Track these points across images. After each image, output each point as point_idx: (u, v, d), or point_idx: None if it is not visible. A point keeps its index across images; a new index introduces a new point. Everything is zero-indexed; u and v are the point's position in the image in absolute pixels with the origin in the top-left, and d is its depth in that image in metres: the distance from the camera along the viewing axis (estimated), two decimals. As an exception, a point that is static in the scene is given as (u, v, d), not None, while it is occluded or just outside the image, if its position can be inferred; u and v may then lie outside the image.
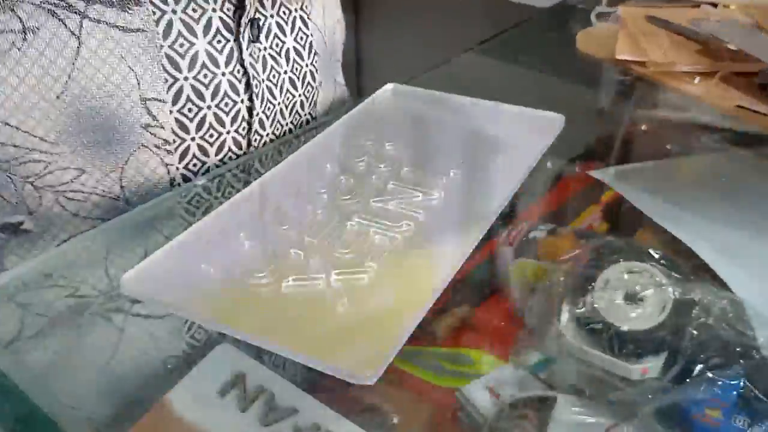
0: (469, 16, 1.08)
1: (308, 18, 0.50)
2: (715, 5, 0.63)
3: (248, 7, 0.45)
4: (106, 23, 0.40)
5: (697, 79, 0.53)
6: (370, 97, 0.49)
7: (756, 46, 0.51)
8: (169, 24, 0.42)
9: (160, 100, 0.43)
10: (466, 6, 1.07)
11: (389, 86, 0.50)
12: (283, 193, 0.39)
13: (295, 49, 0.49)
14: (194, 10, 0.43)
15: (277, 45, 0.48)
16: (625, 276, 0.35)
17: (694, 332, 0.36)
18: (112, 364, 0.33)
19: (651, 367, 0.35)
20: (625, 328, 0.34)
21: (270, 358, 0.31)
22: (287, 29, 0.49)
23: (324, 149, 0.43)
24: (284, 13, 0.48)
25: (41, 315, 0.33)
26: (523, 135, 0.45)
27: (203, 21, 0.43)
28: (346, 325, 0.29)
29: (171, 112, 0.43)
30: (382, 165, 0.41)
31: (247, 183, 0.40)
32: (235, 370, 0.30)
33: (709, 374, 0.35)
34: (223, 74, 0.44)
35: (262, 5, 0.46)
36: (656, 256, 0.36)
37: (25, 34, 0.39)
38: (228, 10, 0.44)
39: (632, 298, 0.36)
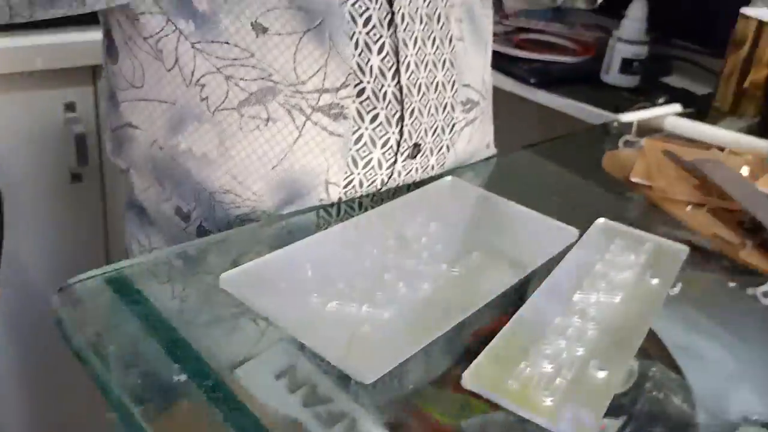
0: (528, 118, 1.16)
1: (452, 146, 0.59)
2: (722, 149, 0.69)
3: (412, 134, 0.54)
4: (320, 126, 0.50)
5: (689, 207, 0.59)
6: (432, 184, 0.57)
7: (737, 189, 0.56)
8: (360, 137, 0.52)
9: (336, 185, 0.52)
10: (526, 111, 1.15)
11: (448, 178, 0.58)
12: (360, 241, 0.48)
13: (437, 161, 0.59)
14: (380, 131, 0.52)
15: (422, 163, 0.57)
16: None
17: (649, 404, 0.43)
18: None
19: (608, 425, 0.42)
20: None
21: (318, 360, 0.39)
22: (435, 151, 0.57)
23: (390, 218, 0.51)
24: (437, 139, 0.57)
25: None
26: (541, 240, 0.51)
27: (383, 139, 0.53)
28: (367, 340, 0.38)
29: (339, 193, 0.53)
30: (423, 239, 0.49)
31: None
32: (289, 362, 0.39)
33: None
34: (380, 175, 0.54)
35: (425, 133, 0.56)
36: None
37: (268, 121, 0.49)
38: (397, 133, 0.53)
39: None
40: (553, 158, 0.69)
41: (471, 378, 0.37)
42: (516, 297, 0.45)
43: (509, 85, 1.19)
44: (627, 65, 1.14)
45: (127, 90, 0.52)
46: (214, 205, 0.51)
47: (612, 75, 1.16)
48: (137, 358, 0.36)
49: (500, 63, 1.21)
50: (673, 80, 1.23)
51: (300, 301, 0.40)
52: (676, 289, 0.48)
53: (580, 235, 0.52)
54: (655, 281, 0.47)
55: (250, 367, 0.41)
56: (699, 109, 0.88)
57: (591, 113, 1.09)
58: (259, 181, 0.50)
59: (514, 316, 0.42)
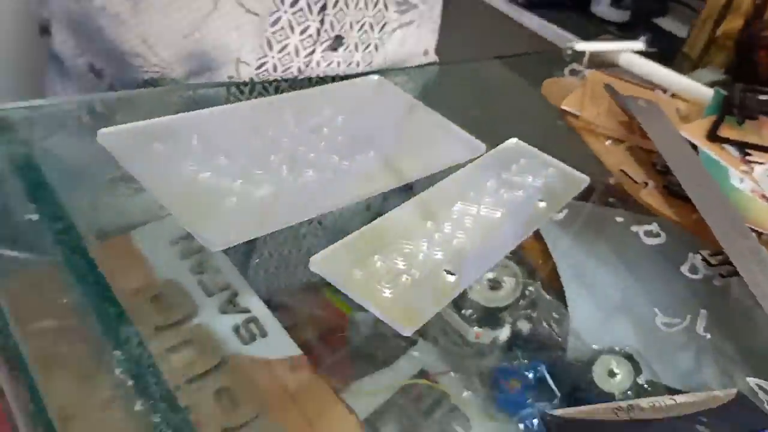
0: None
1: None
2: (664, 91, 0.68)
3: (334, 25, 0.54)
4: (237, 2, 0.49)
5: (608, 141, 0.59)
6: (357, 79, 0.57)
7: (656, 130, 0.56)
8: (278, 19, 0.51)
9: (247, 65, 0.52)
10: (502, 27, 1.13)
11: (374, 77, 0.58)
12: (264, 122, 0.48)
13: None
14: (300, 17, 0.52)
15: (344, 58, 0.56)
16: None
17: (525, 321, 0.45)
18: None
19: (483, 334, 0.44)
20: (478, 302, 0.42)
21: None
22: (361, 47, 0.57)
23: (300, 104, 0.51)
24: (364, 35, 0.56)
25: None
26: (446, 150, 0.51)
27: (303, 26, 0.52)
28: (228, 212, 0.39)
29: (250, 74, 0.53)
30: (325, 129, 0.49)
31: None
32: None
33: (521, 355, 0.43)
34: (297, 63, 0.54)
35: (351, 27, 0.55)
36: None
37: None
38: (318, 21, 0.52)
39: (495, 283, 0.45)
40: (496, 76, 0.68)
41: (319, 262, 0.38)
42: (400, 199, 0.46)
43: (496, 1, 1.16)
44: (617, -1, 1.11)
45: None
46: (124, 66, 0.51)
47: (602, 6, 1.13)
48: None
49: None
50: (666, 22, 1.19)
51: (173, 166, 0.41)
52: (561, 215, 0.49)
53: (488, 151, 0.52)
54: (542, 204, 0.48)
55: (150, 229, 0.43)
56: (670, 53, 0.86)
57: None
58: (169, 48, 0.50)
59: (386, 215, 0.43)
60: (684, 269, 0.47)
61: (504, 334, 0.44)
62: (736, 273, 0.45)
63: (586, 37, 1.07)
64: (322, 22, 0.52)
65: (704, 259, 0.48)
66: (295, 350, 0.39)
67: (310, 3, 0.51)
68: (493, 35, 1.21)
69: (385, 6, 0.56)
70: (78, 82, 0.54)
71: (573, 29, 1.08)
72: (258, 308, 0.40)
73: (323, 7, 0.52)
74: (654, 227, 0.49)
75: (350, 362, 0.42)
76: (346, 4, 0.53)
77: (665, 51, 0.91)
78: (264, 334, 0.40)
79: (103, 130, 0.42)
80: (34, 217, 0.35)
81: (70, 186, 0.40)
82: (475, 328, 0.43)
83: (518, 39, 1.13)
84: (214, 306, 0.40)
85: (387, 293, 0.37)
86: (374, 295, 0.37)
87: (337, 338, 0.42)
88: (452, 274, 0.40)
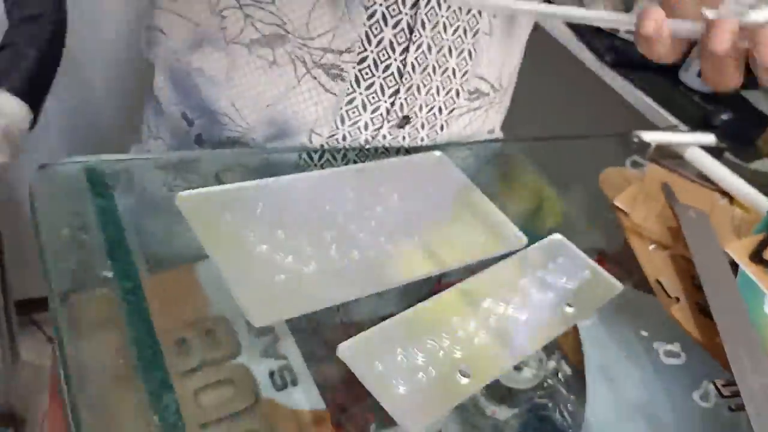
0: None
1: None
2: (723, 194, 0.68)
3: (404, 107, 0.57)
4: (318, 81, 0.54)
5: (652, 246, 0.60)
6: (420, 155, 0.60)
7: (699, 249, 0.57)
8: (353, 99, 0.55)
9: (320, 135, 0.57)
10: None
11: (436, 153, 0.61)
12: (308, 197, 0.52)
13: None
14: (373, 98, 0.56)
15: (410, 133, 0.60)
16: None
17: (541, 407, 0.48)
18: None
19: (499, 411, 0.48)
20: (499, 379, 0.46)
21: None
22: (427, 126, 0.60)
23: (361, 179, 0.55)
24: (432, 117, 0.59)
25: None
26: (488, 241, 0.54)
27: (374, 105, 0.56)
28: (276, 288, 0.43)
29: (321, 141, 0.58)
30: (378, 207, 0.53)
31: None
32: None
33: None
34: (365, 135, 0.58)
35: (420, 109, 0.59)
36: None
37: (273, 65, 0.54)
38: (388, 103, 0.56)
39: (519, 364, 0.48)
40: (558, 158, 0.70)
41: (345, 349, 0.42)
42: (433, 288, 0.49)
43: (583, 55, 1.16)
44: (708, 69, 1.10)
45: None
46: (213, 121, 0.57)
47: (690, 75, 1.12)
48: (80, 246, 0.42)
49: (583, 29, 1.18)
50: (754, 96, 1.17)
51: (237, 235, 0.46)
52: (588, 323, 0.51)
53: (529, 244, 0.55)
54: (570, 310, 0.51)
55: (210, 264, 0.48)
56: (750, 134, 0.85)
57: (650, 110, 1.06)
58: (253, 113, 0.55)
59: (416, 306, 0.46)
60: (695, 395, 0.49)
61: (519, 414, 0.47)
62: (744, 408, 0.46)
63: (668, 102, 1.07)
64: (392, 103, 0.56)
65: (717, 389, 0.49)
66: (319, 404, 0.44)
67: (384, 87, 0.55)
68: (574, 88, 1.22)
69: (457, 94, 0.59)
70: (170, 124, 0.60)
71: (655, 94, 1.08)
72: (294, 357, 0.45)
73: (396, 91, 0.55)
74: (676, 347, 0.51)
75: (371, 418, 0.46)
76: (418, 90, 0.56)
77: (745, 131, 0.90)
78: (295, 383, 0.45)
79: (182, 193, 0.47)
80: (110, 274, 0.41)
81: (142, 237, 0.45)
82: (492, 405, 0.47)
83: (600, 97, 1.14)
84: (257, 348, 0.45)
85: (401, 389, 0.41)
86: (389, 391, 0.40)
87: (361, 394, 0.46)
88: (466, 376, 0.43)
